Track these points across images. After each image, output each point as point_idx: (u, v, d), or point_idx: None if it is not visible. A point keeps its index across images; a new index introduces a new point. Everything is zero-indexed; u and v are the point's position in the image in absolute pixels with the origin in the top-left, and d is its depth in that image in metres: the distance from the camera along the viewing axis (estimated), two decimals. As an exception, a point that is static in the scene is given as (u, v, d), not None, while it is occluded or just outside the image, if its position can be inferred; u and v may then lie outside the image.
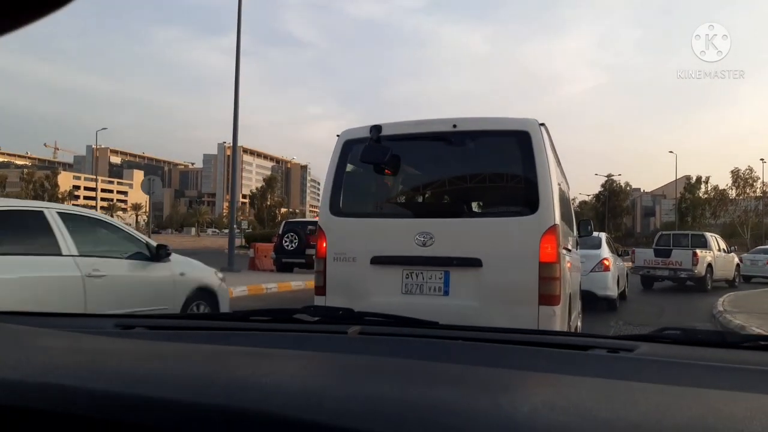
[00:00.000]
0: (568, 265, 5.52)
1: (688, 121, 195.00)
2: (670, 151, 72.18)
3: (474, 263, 4.30)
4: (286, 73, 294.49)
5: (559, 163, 5.53)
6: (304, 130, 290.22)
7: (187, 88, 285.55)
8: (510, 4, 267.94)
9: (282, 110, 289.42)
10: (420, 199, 5.52)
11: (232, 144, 17.98)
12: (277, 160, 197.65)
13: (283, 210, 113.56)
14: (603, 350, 1.49)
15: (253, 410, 0.75)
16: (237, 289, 12.24)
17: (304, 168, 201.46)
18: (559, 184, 4.89)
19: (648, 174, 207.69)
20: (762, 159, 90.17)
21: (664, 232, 22.77)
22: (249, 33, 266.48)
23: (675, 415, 0.76)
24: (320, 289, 4.64)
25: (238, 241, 23.15)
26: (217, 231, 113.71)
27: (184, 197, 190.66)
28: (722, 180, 76.90)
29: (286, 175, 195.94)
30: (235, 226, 18.67)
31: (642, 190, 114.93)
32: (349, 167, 4.81)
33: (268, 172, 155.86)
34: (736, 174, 72.30)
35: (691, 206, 77.09)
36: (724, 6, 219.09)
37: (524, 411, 0.74)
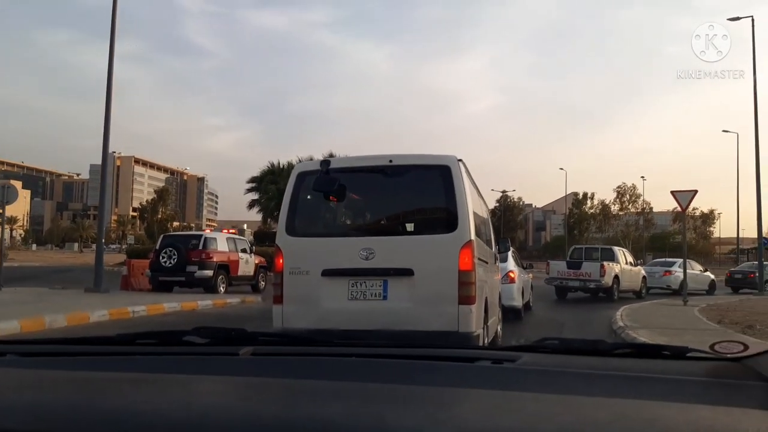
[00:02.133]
0: (498, 276, 7.17)
1: (577, 141, 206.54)
2: (561, 168, 75.83)
3: (407, 273, 5.15)
4: (185, 81, 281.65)
5: (477, 189, 6.50)
6: (203, 141, 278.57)
7: (77, 94, 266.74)
8: (412, 25, 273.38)
9: (179, 120, 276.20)
10: (363, 221, 6.34)
11: (102, 152, 16.14)
12: (172, 172, 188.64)
13: (176, 224, 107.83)
14: (488, 361, 1.54)
15: None
16: (96, 313, 10.57)
17: (201, 180, 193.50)
18: (478, 208, 5.87)
19: (539, 191, 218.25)
20: (642, 177, 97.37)
21: (577, 246, 24.46)
22: (144, 39, 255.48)
23: (547, 422, 0.82)
24: (278, 299, 5.36)
25: (122, 258, 21.23)
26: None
27: (68, 210, 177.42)
28: (608, 196, 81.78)
29: (181, 188, 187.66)
30: (104, 241, 16.65)
31: (534, 206, 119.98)
32: (303, 194, 5.55)
33: (163, 184, 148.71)
34: (619, 191, 77.24)
35: (578, 221, 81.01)
36: (609, 35, 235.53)
37: (408, 426, 0.77)
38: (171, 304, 12.72)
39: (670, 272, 22.11)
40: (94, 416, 0.80)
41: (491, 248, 7.30)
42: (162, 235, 19.32)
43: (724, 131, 48.11)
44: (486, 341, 5.82)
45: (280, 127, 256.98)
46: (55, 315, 9.83)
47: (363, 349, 1.75)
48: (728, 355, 1.46)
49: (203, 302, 13.71)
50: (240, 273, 17.75)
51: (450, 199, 5.22)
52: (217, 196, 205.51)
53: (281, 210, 5.62)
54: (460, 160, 5.44)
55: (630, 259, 20.55)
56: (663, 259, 25.84)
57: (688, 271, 22.78)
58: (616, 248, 20.87)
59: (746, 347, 1.46)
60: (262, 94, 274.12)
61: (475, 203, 5.87)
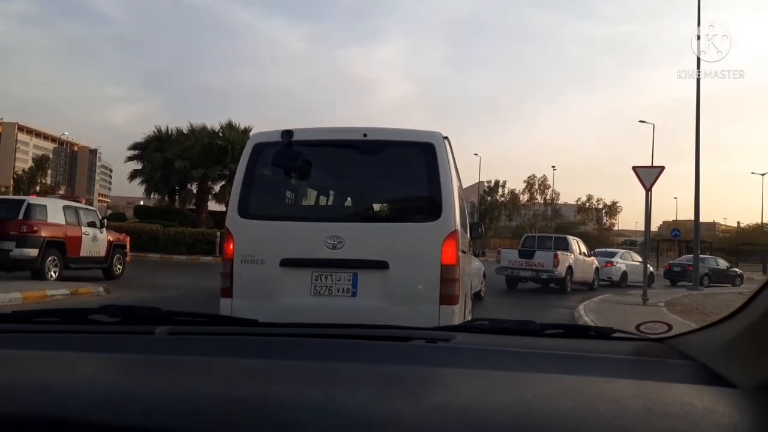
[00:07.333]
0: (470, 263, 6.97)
1: (488, 132, 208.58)
2: (475, 154, 74.29)
3: (381, 265, 4.58)
4: (84, 48, 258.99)
5: (458, 172, 5.82)
6: (100, 111, 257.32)
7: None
8: (326, 7, 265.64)
9: (75, 89, 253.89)
10: (330, 204, 5.95)
11: None
12: (61, 142, 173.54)
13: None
14: (422, 341, 1.51)
15: (42, 416, 0.69)
16: None
17: (93, 152, 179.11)
18: (460, 191, 5.76)
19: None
20: (553, 167, 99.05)
21: (529, 234, 23.53)
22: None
23: (483, 398, 0.83)
24: (226, 291, 4.68)
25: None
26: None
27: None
28: (519, 186, 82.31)
29: (71, 159, 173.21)
30: None
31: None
32: (259, 170, 4.90)
33: (51, 155, 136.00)
34: (529, 181, 78.04)
35: (489, 209, 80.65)
36: (523, 33, 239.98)
37: (338, 402, 0.74)
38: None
39: (611, 263, 20.75)
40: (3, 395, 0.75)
41: (467, 234, 6.57)
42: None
43: (641, 122, 48.03)
44: None
45: (184, 102, 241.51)
46: None
47: (288, 329, 1.67)
48: (652, 336, 1.51)
49: (7, 296, 9.47)
50: (84, 253, 13.44)
51: (433, 183, 4.66)
52: (111, 170, 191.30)
53: (233, 187, 4.94)
54: (446, 137, 4.87)
55: (584, 249, 19.25)
56: (603, 249, 24.26)
57: (629, 262, 21.31)
58: (570, 237, 19.76)
59: (670, 328, 1.52)
60: (166, 67, 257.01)
61: (458, 187, 5.55)
